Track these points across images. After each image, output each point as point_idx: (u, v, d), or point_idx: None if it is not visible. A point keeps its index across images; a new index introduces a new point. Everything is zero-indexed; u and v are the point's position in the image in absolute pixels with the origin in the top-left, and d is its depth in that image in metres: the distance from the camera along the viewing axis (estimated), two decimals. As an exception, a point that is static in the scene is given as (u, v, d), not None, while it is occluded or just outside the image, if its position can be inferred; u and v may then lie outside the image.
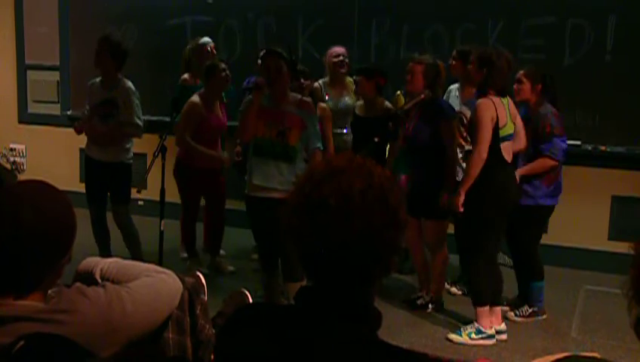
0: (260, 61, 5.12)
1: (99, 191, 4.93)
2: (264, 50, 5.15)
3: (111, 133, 4.76)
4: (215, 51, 5.41)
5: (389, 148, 4.76)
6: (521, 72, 4.35)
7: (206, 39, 5.45)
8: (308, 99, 4.20)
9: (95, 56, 4.71)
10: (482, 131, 3.87)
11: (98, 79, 4.84)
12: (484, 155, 3.88)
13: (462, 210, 3.96)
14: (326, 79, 5.27)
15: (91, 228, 4.95)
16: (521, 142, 4.15)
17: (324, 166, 1.31)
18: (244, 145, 4.96)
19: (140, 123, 4.81)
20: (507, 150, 3.98)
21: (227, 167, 5.29)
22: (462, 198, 3.95)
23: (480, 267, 4.04)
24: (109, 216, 5.00)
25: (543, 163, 4.27)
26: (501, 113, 3.91)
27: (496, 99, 3.90)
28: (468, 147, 4.28)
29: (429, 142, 4.30)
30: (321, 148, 4.07)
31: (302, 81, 4.67)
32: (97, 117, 4.79)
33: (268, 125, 3.97)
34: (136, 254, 4.93)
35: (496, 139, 3.91)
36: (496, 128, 3.89)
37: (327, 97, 5.12)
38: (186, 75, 5.35)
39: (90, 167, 4.94)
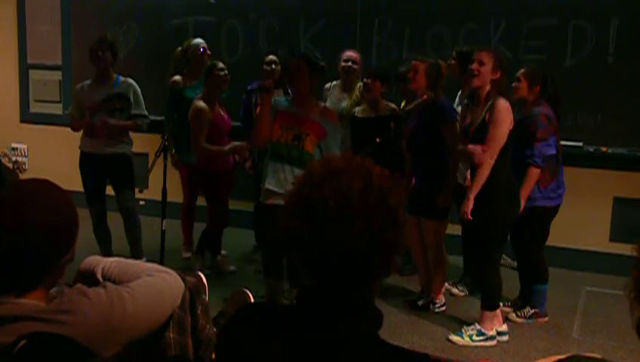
0: (265, 66, 5.18)
1: (100, 188, 4.98)
2: (270, 55, 5.21)
3: (125, 126, 4.93)
4: (209, 52, 5.38)
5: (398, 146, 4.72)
6: (521, 70, 4.35)
7: (198, 40, 5.45)
8: (331, 107, 4.17)
9: (96, 54, 4.85)
10: (500, 135, 3.82)
11: (88, 81, 4.98)
12: (494, 159, 3.85)
13: (471, 218, 3.91)
14: (338, 81, 5.27)
15: (92, 227, 4.97)
16: None
17: (323, 167, 1.31)
18: (259, 151, 4.96)
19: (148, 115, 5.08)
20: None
21: (245, 162, 5.28)
22: (471, 204, 3.89)
23: (495, 271, 4.03)
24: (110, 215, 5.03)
25: (533, 173, 4.18)
26: (512, 116, 3.91)
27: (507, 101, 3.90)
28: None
29: (429, 142, 4.29)
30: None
31: None
32: (105, 112, 4.88)
33: (284, 128, 3.91)
34: (135, 245, 5.02)
35: (510, 141, 3.91)
36: (512, 131, 3.89)
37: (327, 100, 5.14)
38: (177, 77, 5.32)
39: (90, 164, 4.93)
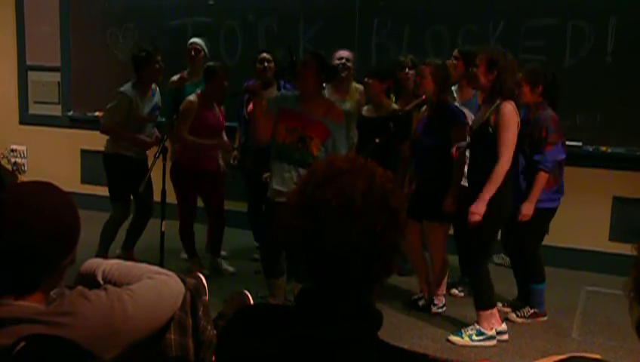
0: (257, 64, 5.19)
1: (132, 188, 4.99)
2: (263, 53, 5.23)
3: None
4: (200, 50, 5.40)
5: (400, 149, 4.72)
6: (520, 75, 4.33)
7: (192, 39, 5.48)
8: (337, 106, 4.18)
9: (160, 66, 4.87)
10: (509, 138, 3.80)
11: (132, 88, 4.86)
12: (510, 163, 3.83)
13: (480, 219, 3.85)
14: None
15: (110, 227, 5.02)
16: None
17: (326, 167, 1.31)
18: (255, 150, 4.97)
19: None
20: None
21: (227, 168, 5.30)
22: (484, 206, 3.84)
23: (485, 271, 4.03)
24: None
25: (542, 178, 4.16)
26: (518, 118, 3.89)
27: (513, 103, 3.87)
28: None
29: (435, 145, 4.28)
30: None
31: None
32: (152, 123, 5.05)
33: (288, 130, 3.92)
34: (135, 238, 5.14)
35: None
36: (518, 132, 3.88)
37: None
38: (174, 77, 5.36)
39: (134, 167, 4.94)
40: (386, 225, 1.25)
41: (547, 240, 4.59)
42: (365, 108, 4.91)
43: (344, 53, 5.19)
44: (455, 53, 4.79)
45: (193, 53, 5.38)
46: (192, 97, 4.83)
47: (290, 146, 3.91)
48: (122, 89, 4.87)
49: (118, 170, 4.96)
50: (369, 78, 4.72)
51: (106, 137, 5.01)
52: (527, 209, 4.17)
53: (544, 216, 4.34)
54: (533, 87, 4.27)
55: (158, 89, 5.08)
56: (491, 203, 3.88)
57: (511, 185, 4.04)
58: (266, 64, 5.20)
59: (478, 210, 3.84)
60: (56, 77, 7.16)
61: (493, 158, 3.84)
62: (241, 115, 5.33)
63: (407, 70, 4.97)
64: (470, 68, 4.09)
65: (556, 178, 4.31)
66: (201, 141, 4.85)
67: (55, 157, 7.17)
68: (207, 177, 4.98)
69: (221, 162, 5.14)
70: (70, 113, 7.10)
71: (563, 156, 4.28)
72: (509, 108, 3.83)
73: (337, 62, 5.13)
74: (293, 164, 3.90)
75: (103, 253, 4.87)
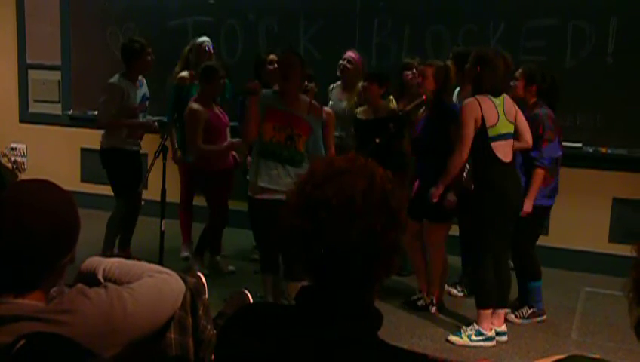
0: (268, 65, 5.20)
1: (132, 182, 4.98)
2: (271, 55, 5.24)
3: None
4: (212, 50, 5.41)
5: (400, 147, 4.72)
6: (519, 70, 4.36)
7: (203, 38, 5.48)
8: (317, 103, 4.22)
9: (150, 57, 4.94)
10: (463, 132, 3.91)
11: (120, 79, 4.89)
12: (465, 156, 3.93)
13: (435, 200, 4.07)
14: (340, 82, 5.30)
15: (115, 222, 5.03)
16: (526, 141, 4.12)
17: (326, 166, 1.31)
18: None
19: None
20: (501, 149, 3.96)
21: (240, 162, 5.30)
22: (439, 191, 4.06)
23: (488, 269, 4.03)
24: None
25: (539, 175, 4.19)
26: (489, 113, 3.90)
27: (483, 99, 3.90)
28: None
29: (435, 144, 4.29)
30: (323, 153, 4.10)
31: (306, 83, 4.65)
32: (142, 113, 5.04)
33: (277, 129, 3.95)
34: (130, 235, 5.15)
35: (485, 138, 3.91)
36: (482, 128, 3.90)
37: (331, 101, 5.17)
38: (184, 73, 5.35)
39: (132, 160, 5.00)
40: (386, 225, 1.25)
41: (547, 241, 4.60)
42: (360, 109, 4.90)
43: (347, 54, 5.21)
44: (450, 55, 4.80)
45: (207, 50, 5.36)
46: (195, 105, 4.79)
47: (278, 145, 3.96)
48: (112, 81, 4.90)
49: (118, 164, 4.96)
50: (367, 81, 4.76)
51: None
52: (528, 206, 4.19)
53: (539, 213, 4.34)
54: (527, 85, 4.31)
55: (145, 80, 5.11)
56: (487, 202, 3.90)
57: (515, 183, 4.05)
58: (276, 65, 5.20)
59: (433, 191, 4.09)
60: (56, 75, 7.16)
61: (484, 157, 3.90)
62: (243, 115, 5.32)
63: (413, 71, 4.97)
64: (463, 68, 4.14)
65: (552, 175, 4.33)
66: (219, 147, 4.86)
67: (55, 156, 7.16)
68: (221, 176, 4.98)
69: (235, 154, 5.14)
70: (70, 112, 7.10)
71: (559, 153, 4.31)
72: (466, 103, 3.92)
73: (340, 62, 5.17)
74: (281, 161, 3.96)
75: (108, 249, 4.89)
